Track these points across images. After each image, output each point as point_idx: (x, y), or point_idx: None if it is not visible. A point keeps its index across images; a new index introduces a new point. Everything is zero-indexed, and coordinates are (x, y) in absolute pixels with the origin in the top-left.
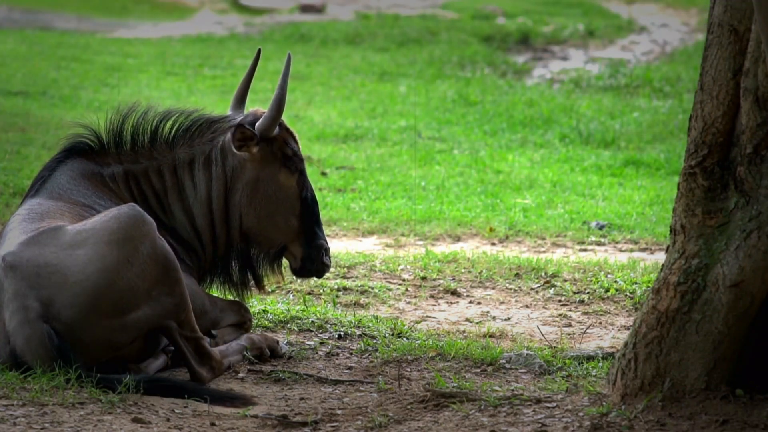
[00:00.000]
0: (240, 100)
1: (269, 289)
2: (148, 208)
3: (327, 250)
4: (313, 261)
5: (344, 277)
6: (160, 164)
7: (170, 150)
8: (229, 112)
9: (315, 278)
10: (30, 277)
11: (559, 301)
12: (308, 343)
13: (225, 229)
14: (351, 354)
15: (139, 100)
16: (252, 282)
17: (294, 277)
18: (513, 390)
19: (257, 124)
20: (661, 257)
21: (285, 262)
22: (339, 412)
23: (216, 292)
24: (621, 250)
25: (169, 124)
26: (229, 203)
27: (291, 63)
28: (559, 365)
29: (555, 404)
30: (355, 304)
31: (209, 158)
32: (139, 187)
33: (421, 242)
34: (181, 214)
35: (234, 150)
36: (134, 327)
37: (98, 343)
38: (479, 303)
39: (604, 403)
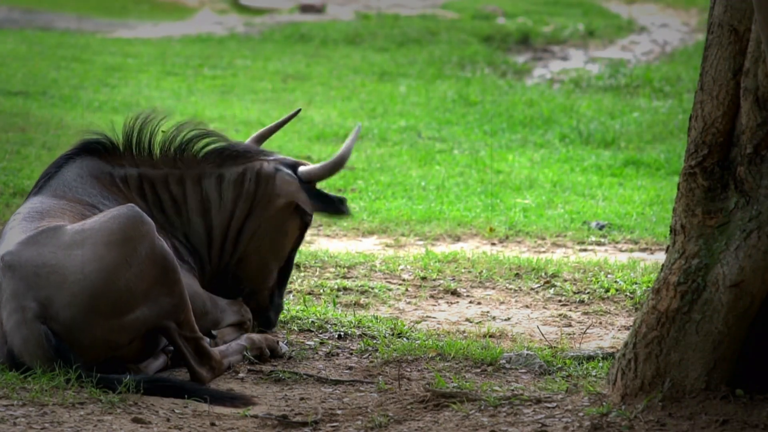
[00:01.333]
0: (259, 140)
1: None
2: (160, 212)
3: (282, 310)
4: (273, 315)
5: (344, 277)
6: (183, 174)
7: (197, 164)
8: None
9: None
10: (28, 277)
11: (559, 301)
12: (308, 343)
13: (232, 247)
14: (351, 354)
15: (140, 100)
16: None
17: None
18: (513, 390)
19: (310, 168)
20: (661, 257)
21: None
22: (339, 412)
23: None
24: (621, 250)
25: (203, 141)
26: (245, 226)
27: (359, 133)
28: (559, 365)
29: (555, 404)
30: (355, 304)
31: (243, 176)
32: (153, 191)
33: (421, 242)
34: (199, 220)
35: (276, 181)
36: (133, 327)
37: (97, 344)
38: (479, 303)
39: (604, 403)
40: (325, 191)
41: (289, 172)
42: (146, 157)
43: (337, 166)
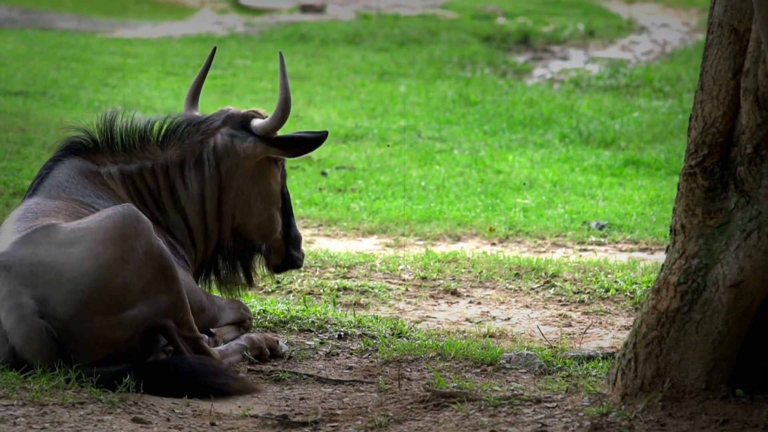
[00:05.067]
0: (194, 97)
1: (260, 286)
2: (144, 207)
3: (301, 239)
4: (296, 250)
5: (344, 277)
6: (153, 164)
7: (162, 151)
8: (184, 110)
9: (294, 270)
10: (23, 275)
11: (559, 301)
12: (308, 343)
13: (217, 227)
14: (351, 354)
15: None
16: (243, 280)
17: (274, 275)
18: (513, 390)
19: (263, 124)
20: (661, 257)
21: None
22: (339, 412)
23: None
24: (621, 250)
25: (156, 126)
26: (222, 202)
27: (284, 62)
28: (559, 365)
29: (555, 404)
30: (355, 304)
31: (200, 159)
32: (135, 186)
33: (421, 242)
34: (175, 213)
35: (237, 150)
36: (131, 324)
37: (94, 341)
38: (479, 303)
39: (604, 403)
40: (290, 134)
41: (245, 135)
42: (121, 153)
43: (285, 110)
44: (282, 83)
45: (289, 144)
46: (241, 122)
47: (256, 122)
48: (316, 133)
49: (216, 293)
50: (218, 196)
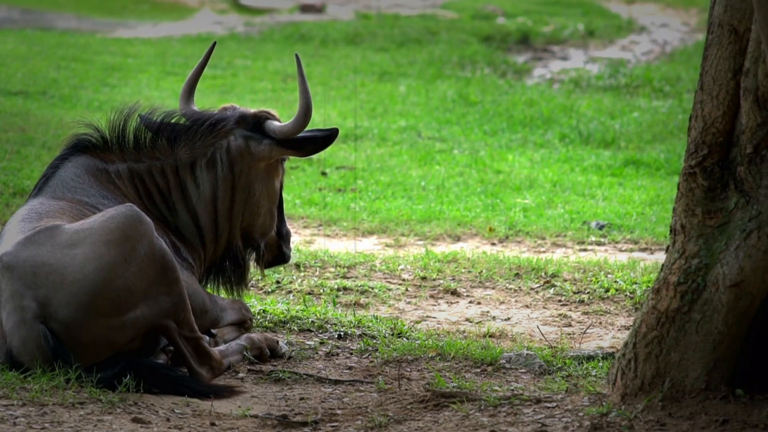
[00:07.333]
0: (190, 92)
1: (260, 285)
2: (153, 206)
3: (290, 235)
4: (286, 246)
5: (344, 277)
6: (162, 164)
7: (172, 150)
8: (180, 104)
9: (282, 265)
10: (27, 276)
11: (559, 301)
12: (308, 343)
13: (228, 227)
14: (351, 354)
15: (140, 99)
16: (242, 279)
17: (263, 271)
18: (513, 390)
19: (283, 128)
20: (661, 257)
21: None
22: (339, 412)
23: (210, 290)
24: (621, 250)
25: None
26: (234, 203)
27: (302, 65)
28: (559, 365)
29: (555, 404)
30: (355, 304)
31: (213, 160)
32: (144, 185)
33: (421, 242)
34: (185, 212)
35: (252, 152)
36: (132, 326)
37: (96, 342)
38: (479, 303)
39: (604, 403)
40: (301, 134)
41: (259, 137)
42: (131, 151)
43: (307, 115)
44: (302, 88)
45: (302, 144)
46: (254, 123)
47: (275, 125)
48: (326, 131)
49: (222, 293)
50: (231, 197)
